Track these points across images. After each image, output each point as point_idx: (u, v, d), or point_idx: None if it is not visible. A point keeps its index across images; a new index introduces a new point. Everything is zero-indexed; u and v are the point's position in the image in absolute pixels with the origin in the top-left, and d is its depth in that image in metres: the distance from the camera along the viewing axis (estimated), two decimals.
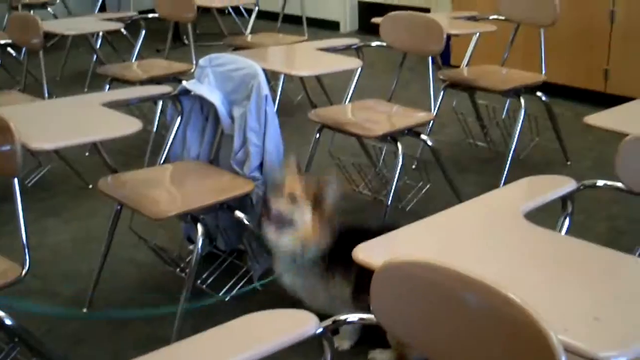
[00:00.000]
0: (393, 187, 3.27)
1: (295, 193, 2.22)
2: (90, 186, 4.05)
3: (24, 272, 2.13)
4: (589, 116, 2.55)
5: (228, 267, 2.90)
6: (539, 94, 4.02)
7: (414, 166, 4.11)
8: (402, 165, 3.24)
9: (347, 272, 2.36)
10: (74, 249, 3.38)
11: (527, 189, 1.93)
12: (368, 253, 1.50)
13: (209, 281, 2.90)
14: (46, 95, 4.26)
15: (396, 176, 3.26)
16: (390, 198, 3.28)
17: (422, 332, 1.31)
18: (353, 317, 1.50)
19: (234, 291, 2.82)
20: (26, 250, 2.17)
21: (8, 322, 2.11)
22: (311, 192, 2.28)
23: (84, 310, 2.85)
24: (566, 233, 1.94)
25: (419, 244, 1.59)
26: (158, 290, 3.00)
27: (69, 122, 2.60)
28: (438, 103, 4.09)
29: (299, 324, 1.35)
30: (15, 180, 2.22)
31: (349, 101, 3.79)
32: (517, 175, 1.97)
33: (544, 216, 1.67)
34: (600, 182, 2.10)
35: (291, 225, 2.24)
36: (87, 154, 4.46)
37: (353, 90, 3.83)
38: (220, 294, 2.85)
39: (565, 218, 2.00)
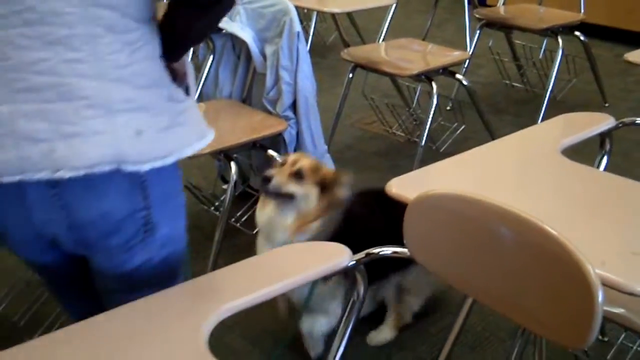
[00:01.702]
0: (427, 128, 3.24)
1: (303, 170, 2.04)
2: None
3: None
4: (629, 53, 2.49)
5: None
6: (577, 33, 3.93)
7: (448, 107, 4.06)
8: (436, 105, 3.20)
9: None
10: None
11: (565, 126, 1.89)
12: (401, 187, 1.48)
13: (242, 219, 2.92)
14: None
15: (430, 117, 3.22)
16: (424, 139, 3.25)
17: (456, 265, 1.30)
18: (386, 249, 1.49)
19: None
20: None
21: None
22: (322, 176, 2.08)
23: None
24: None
25: (454, 178, 1.57)
26: (193, 228, 3.01)
27: None
28: (474, 43, 4.02)
29: (332, 256, 1.35)
30: None
31: (383, 40, 3.74)
32: (553, 117, 1.93)
33: (580, 159, 1.63)
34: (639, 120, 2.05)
35: (291, 201, 2.02)
36: None
37: (387, 30, 3.77)
38: (254, 232, 2.86)
39: (603, 156, 1.96)
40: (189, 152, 1.34)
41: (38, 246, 1.39)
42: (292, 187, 2.01)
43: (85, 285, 1.52)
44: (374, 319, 2.36)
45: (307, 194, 2.03)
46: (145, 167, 1.27)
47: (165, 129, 1.30)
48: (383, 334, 2.34)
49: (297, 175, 2.03)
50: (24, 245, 1.40)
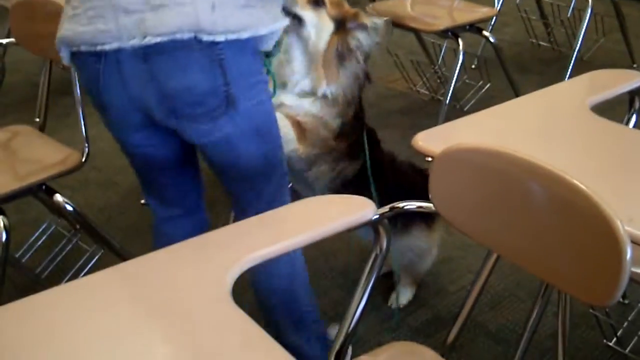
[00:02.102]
0: (452, 86, 3.21)
1: None
2: None
3: (83, 159, 2.15)
4: None
5: None
6: None
7: (473, 65, 4.01)
8: (462, 62, 3.16)
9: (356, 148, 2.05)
10: None
11: (594, 83, 1.86)
12: (428, 140, 1.46)
13: None
14: None
15: (456, 74, 3.19)
16: (449, 97, 3.22)
17: (482, 220, 1.29)
18: (411, 204, 1.48)
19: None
20: (85, 138, 2.19)
21: (69, 208, 2.15)
22: (344, 13, 1.89)
23: (142, 201, 2.89)
24: None
25: (480, 133, 1.55)
26: (216, 184, 3.02)
27: None
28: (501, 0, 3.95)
29: (357, 209, 1.34)
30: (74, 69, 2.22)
31: None
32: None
33: (606, 118, 1.60)
34: None
35: (300, 29, 1.85)
36: None
37: None
38: None
39: (632, 114, 1.92)
40: (264, 31, 1.51)
41: (133, 121, 1.59)
42: (304, 11, 1.85)
43: (173, 174, 1.77)
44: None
45: (319, 25, 1.88)
46: (220, 38, 1.45)
47: (242, 7, 1.47)
48: (403, 295, 2.33)
49: (316, 1, 1.88)
50: (122, 119, 1.59)
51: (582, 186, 1.09)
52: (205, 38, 1.44)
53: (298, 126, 1.94)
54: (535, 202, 1.17)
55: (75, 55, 1.54)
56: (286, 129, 1.90)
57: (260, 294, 1.89)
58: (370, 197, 1.68)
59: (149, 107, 1.54)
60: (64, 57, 1.57)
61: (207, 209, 1.94)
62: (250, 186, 1.71)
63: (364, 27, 1.93)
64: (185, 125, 1.56)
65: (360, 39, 1.93)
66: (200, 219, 1.91)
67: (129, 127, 1.62)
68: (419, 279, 2.36)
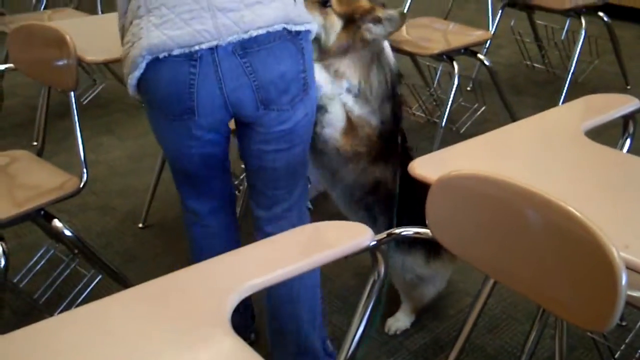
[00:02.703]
0: (447, 109, 3.23)
1: None
2: (144, 105, 4.07)
3: (82, 184, 2.16)
4: None
5: None
6: (600, 14, 3.88)
7: (469, 87, 4.04)
8: (457, 85, 3.18)
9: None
10: (128, 166, 3.43)
11: (588, 107, 1.88)
12: (424, 167, 1.48)
13: None
14: (100, 12, 4.27)
15: (451, 97, 3.21)
16: (445, 120, 3.24)
17: (479, 246, 1.30)
18: (409, 230, 1.49)
19: None
20: (83, 162, 2.20)
21: (68, 233, 2.16)
22: (353, 9, 1.96)
23: (139, 225, 2.90)
24: None
25: (476, 159, 1.56)
26: None
27: None
28: (495, 23, 3.98)
29: (353, 236, 1.35)
30: (72, 94, 2.23)
31: None
32: (574, 99, 1.91)
33: (600, 142, 1.62)
34: None
35: None
36: None
37: (408, 8, 3.74)
38: None
39: (626, 138, 1.94)
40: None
41: (215, 120, 1.73)
42: (311, 12, 1.86)
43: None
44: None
45: (327, 24, 1.95)
46: (302, 28, 1.70)
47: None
48: (402, 322, 2.32)
49: (323, 3, 1.95)
50: (207, 120, 1.72)
51: (578, 213, 1.10)
52: (293, 28, 1.67)
53: (349, 121, 2.02)
54: (531, 229, 1.18)
55: (158, 64, 1.64)
56: (341, 120, 2.01)
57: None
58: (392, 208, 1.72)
59: (240, 102, 1.70)
60: (134, 78, 1.68)
61: None
62: (286, 182, 1.89)
63: (377, 19, 1.99)
64: (270, 115, 1.74)
65: (374, 31, 2.00)
66: (233, 208, 2.08)
67: (209, 127, 1.75)
68: (419, 306, 2.33)
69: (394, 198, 2.11)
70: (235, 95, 1.69)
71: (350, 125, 2.01)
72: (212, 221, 2.02)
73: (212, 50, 1.63)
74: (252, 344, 2.21)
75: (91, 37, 2.64)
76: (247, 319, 2.22)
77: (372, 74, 2.03)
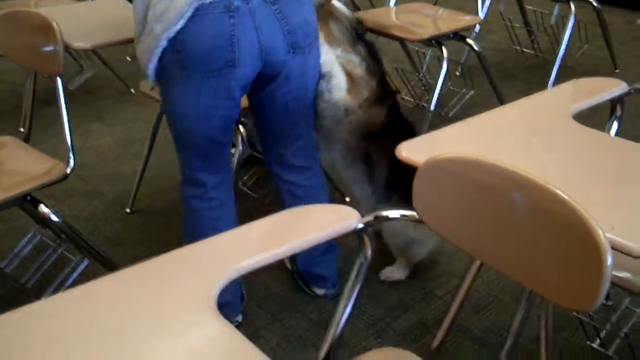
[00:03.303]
0: (436, 93, 3.22)
1: None
2: (132, 90, 4.06)
3: (68, 170, 2.15)
4: None
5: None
6: None
7: (457, 72, 4.03)
8: (446, 70, 3.18)
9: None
10: (117, 152, 3.41)
11: (576, 91, 1.88)
12: (411, 150, 1.47)
13: (249, 183, 2.92)
14: None
15: (440, 82, 3.20)
16: (433, 104, 3.23)
17: (465, 229, 1.30)
18: (395, 213, 1.49)
19: (273, 193, 2.84)
20: (70, 148, 2.19)
21: (55, 218, 2.15)
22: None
23: (127, 210, 2.89)
24: None
25: (464, 142, 1.56)
26: None
27: (110, 22, 2.58)
28: (485, 8, 3.98)
29: (340, 218, 1.35)
30: (59, 79, 2.22)
31: (393, 4, 3.70)
32: (563, 83, 1.92)
33: (589, 125, 1.62)
34: None
35: None
36: (128, 58, 4.46)
37: None
38: (261, 195, 2.87)
39: (614, 121, 1.95)
40: None
41: (251, 73, 1.88)
42: None
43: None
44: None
45: None
46: None
47: None
48: (396, 274, 2.44)
49: None
50: (245, 70, 1.86)
51: (564, 195, 1.11)
52: None
53: (350, 78, 2.22)
54: (517, 211, 1.18)
55: (198, 19, 1.75)
56: (341, 79, 2.20)
57: None
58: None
59: (273, 48, 1.86)
60: (172, 32, 1.77)
61: None
62: (306, 118, 2.12)
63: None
64: (297, 58, 1.93)
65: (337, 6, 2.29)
66: (232, 181, 2.22)
67: (243, 81, 1.89)
68: (413, 262, 2.44)
69: (390, 140, 2.17)
70: (270, 41, 1.86)
71: (351, 80, 2.22)
72: (216, 194, 2.10)
73: (247, 1, 1.79)
74: (239, 325, 2.21)
75: (78, 23, 2.62)
76: (236, 299, 2.22)
77: (333, 29, 2.25)
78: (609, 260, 1.06)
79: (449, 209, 1.31)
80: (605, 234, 1.07)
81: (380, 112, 2.27)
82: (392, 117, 2.31)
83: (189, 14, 1.75)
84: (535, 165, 1.44)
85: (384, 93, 2.30)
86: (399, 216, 1.49)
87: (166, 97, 1.96)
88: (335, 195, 2.83)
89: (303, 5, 1.92)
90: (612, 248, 1.09)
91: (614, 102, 1.92)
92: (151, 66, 1.87)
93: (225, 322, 1.08)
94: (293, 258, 2.39)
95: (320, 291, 2.35)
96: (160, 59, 1.86)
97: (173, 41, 1.80)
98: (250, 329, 2.22)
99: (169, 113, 2.00)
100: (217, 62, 1.82)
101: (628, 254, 1.16)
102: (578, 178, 1.40)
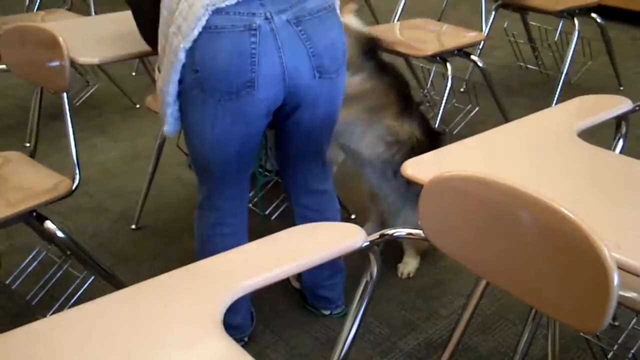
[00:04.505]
0: (441, 110, 3.23)
1: None
2: (138, 106, 4.07)
3: (74, 186, 2.15)
4: None
5: (274, 186, 2.91)
6: (593, 15, 3.89)
7: (462, 89, 4.04)
8: (450, 87, 3.19)
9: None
10: (122, 167, 3.42)
11: (581, 108, 1.88)
12: (417, 168, 1.47)
13: (254, 200, 2.92)
14: (93, 13, 4.26)
15: (444, 98, 3.20)
16: (438, 121, 3.24)
17: (471, 247, 1.30)
18: (401, 231, 1.49)
19: (280, 210, 2.84)
20: (76, 164, 2.19)
21: (60, 234, 2.15)
22: None
23: (132, 226, 2.89)
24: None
25: (469, 160, 1.56)
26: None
27: (116, 37, 2.59)
28: (489, 24, 3.99)
29: (346, 237, 1.35)
30: (65, 95, 2.23)
31: (397, 21, 3.71)
32: (568, 100, 1.92)
33: (594, 143, 1.62)
34: None
35: None
36: (134, 73, 4.48)
37: (401, 10, 3.75)
38: (267, 212, 2.87)
39: (619, 139, 1.95)
40: None
41: (272, 96, 1.82)
42: None
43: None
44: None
45: None
46: (337, 4, 1.90)
47: None
48: (411, 265, 2.56)
49: None
50: (266, 93, 1.79)
51: (570, 214, 1.10)
52: (333, 4, 1.87)
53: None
54: (523, 230, 1.18)
55: (217, 35, 1.71)
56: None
57: None
58: None
59: (297, 71, 1.80)
60: (189, 42, 1.73)
61: None
62: (328, 141, 2.10)
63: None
64: (325, 84, 1.88)
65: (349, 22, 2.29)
66: (247, 208, 2.15)
67: (264, 106, 1.83)
68: (422, 249, 2.54)
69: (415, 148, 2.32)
70: (294, 64, 1.79)
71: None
72: (231, 221, 2.07)
73: (269, 20, 1.74)
74: (245, 345, 2.21)
75: (84, 38, 2.63)
76: (246, 321, 2.21)
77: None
78: (616, 280, 1.06)
79: (455, 228, 1.31)
80: (612, 253, 1.07)
81: (400, 122, 2.33)
82: (422, 130, 2.37)
83: (205, 17, 1.70)
84: (541, 184, 1.44)
85: (406, 105, 2.35)
86: (405, 234, 1.49)
87: (184, 120, 1.91)
88: (342, 214, 2.82)
89: (330, 28, 1.86)
90: (619, 267, 1.09)
91: (618, 120, 1.92)
92: (171, 88, 1.81)
93: (231, 340, 1.08)
94: (299, 278, 2.39)
95: (326, 311, 2.34)
96: (180, 81, 1.81)
97: (191, 57, 1.75)
98: (255, 348, 2.21)
99: (186, 136, 1.96)
100: (235, 82, 1.76)
101: (634, 274, 1.16)
102: (584, 196, 1.40)
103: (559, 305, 1.17)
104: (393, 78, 2.36)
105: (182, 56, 1.75)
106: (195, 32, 1.71)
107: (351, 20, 2.32)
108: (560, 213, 1.11)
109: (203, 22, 1.70)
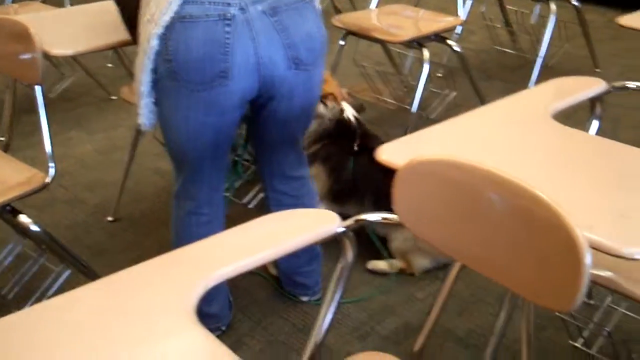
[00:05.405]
0: (418, 95, 3.22)
1: None
2: (114, 97, 4.04)
3: (49, 179, 2.13)
4: (622, 17, 2.47)
5: (251, 175, 2.90)
6: None
7: (439, 74, 4.04)
8: (427, 72, 3.18)
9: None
10: (98, 159, 3.39)
11: (556, 90, 1.88)
12: (391, 153, 1.47)
13: (233, 189, 2.91)
14: (67, 5, 4.22)
15: (421, 83, 3.20)
16: (415, 106, 3.23)
17: (445, 230, 1.30)
18: (376, 216, 1.48)
19: (258, 198, 2.83)
20: (51, 157, 2.17)
21: (35, 228, 2.13)
22: None
23: (109, 218, 2.87)
24: None
25: (444, 144, 1.55)
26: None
27: (90, 28, 2.56)
28: (466, 9, 3.99)
29: (321, 223, 1.34)
30: (38, 88, 2.20)
31: (375, 7, 3.70)
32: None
33: (570, 124, 1.62)
34: (630, 84, 2.04)
35: None
36: (109, 65, 4.44)
37: None
38: (244, 201, 2.86)
39: (593, 120, 1.95)
40: None
41: (248, 86, 1.80)
42: None
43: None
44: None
45: None
46: None
47: None
48: (382, 265, 2.50)
49: None
50: (240, 83, 1.78)
51: (542, 195, 1.10)
52: None
53: None
54: (497, 212, 1.18)
55: (191, 25, 1.70)
56: None
57: None
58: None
59: (272, 62, 1.79)
60: (161, 27, 1.71)
61: None
62: (305, 129, 2.10)
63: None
64: (301, 75, 1.86)
65: None
66: (223, 196, 2.12)
67: (238, 97, 1.81)
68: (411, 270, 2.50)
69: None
70: (268, 55, 1.78)
71: None
72: (207, 210, 2.06)
73: (244, 10, 1.73)
74: (222, 333, 2.20)
75: (58, 30, 2.60)
76: (224, 310, 2.21)
77: None
78: (588, 260, 1.06)
79: (429, 211, 1.30)
80: (584, 233, 1.07)
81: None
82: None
83: (177, 2, 1.68)
84: (515, 166, 1.44)
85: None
86: (380, 219, 1.49)
87: (160, 110, 1.89)
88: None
89: (307, 19, 1.84)
90: (591, 247, 1.09)
91: (593, 101, 1.92)
92: (144, 77, 1.80)
93: (204, 329, 1.07)
94: (276, 265, 2.38)
95: (304, 298, 2.34)
96: (155, 71, 1.79)
97: (164, 45, 1.73)
98: (233, 336, 2.21)
99: (161, 126, 1.94)
100: (209, 72, 1.74)
101: (607, 253, 1.16)
102: (557, 177, 1.40)
103: (532, 286, 1.17)
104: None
105: (154, 43, 1.73)
106: (167, 18, 1.69)
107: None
108: (532, 194, 1.11)
109: (174, 7, 1.69)
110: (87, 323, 1.10)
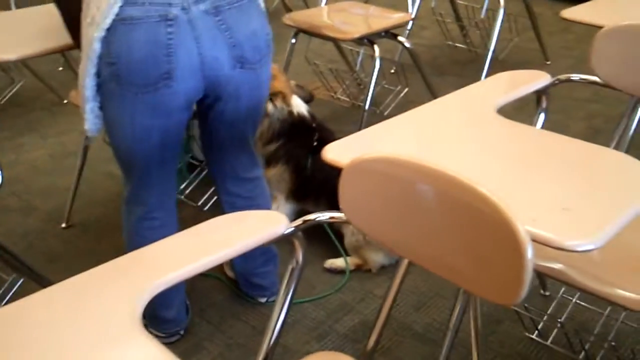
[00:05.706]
0: (370, 92, 3.24)
1: None
2: (65, 101, 3.99)
3: None
4: (565, 10, 2.50)
5: (206, 177, 2.89)
6: None
7: (392, 70, 4.06)
8: (379, 68, 3.19)
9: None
10: (51, 165, 3.35)
11: (502, 84, 1.90)
12: (337, 152, 1.47)
13: (187, 192, 2.90)
14: (13, 8, 4.15)
15: (373, 80, 3.21)
16: (368, 103, 3.24)
17: (390, 228, 1.31)
18: (324, 215, 1.49)
19: (212, 200, 2.82)
20: None
21: None
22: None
23: (63, 225, 2.84)
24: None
25: (391, 140, 1.56)
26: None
27: (36, 32, 2.52)
28: (416, 4, 4.02)
29: (269, 224, 1.34)
30: None
31: (325, 4, 3.71)
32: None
33: (522, 117, 1.64)
34: (575, 76, 2.07)
35: None
36: (60, 68, 4.38)
37: None
38: (199, 203, 2.85)
39: (539, 113, 1.98)
40: None
41: (191, 88, 1.78)
42: None
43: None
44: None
45: None
46: None
47: None
48: (338, 263, 2.52)
49: None
50: (184, 85, 1.76)
51: (482, 190, 1.11)
52: None
53: None
54: (437, 207, 1.19)
55: (132, 26, 1.68)
56: None
57: None
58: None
59: (216, 61, 1.78)
60: (101, 30, 1.69)
61: None
62: (254, 130, 2.08)
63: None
64: (247, 74, 1.86)
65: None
66: (175, 200, 2.11)
67: (183, 98, 1.79)
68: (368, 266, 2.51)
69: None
70: (212, 55, 1.77)
71: None
72: (158, 214, 2.04)
73: (186, 10, 1.71)
74: (180, 338, 2.19)
75: (5, 34, 2.55)
76: (181, 314, 2.19)
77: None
78: (530, 253, 1.08)
79: (374, 209, 1.31)
80: (526, 227, 1.09)
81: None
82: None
83: (118, 4, 1.66)
84: (460, 160, 1.45)
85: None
86: (328, 219, 1.49)
87: (105, 114, 1.87)
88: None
89: (251, 18, 1.83)
90: (534, 241, 1.11)
91: (539, 94, 1.95)
92: (88, 81, 1.77)
93: (150, 337, 1.06)
94: (232, 267, 2.38)
95: (262, 299, 2.34)
96: (99, 74, 1.77)
97: (106, 48, 1.71)
98: (192, 340, 2.20)
99: (107, 131, 1.92)
100: (152, 73, 1.72)
101: (550, 246, 1.18)
102: (501, 171, 1.42)
103: (477, 280, 1.18)
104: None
105: (96, 46, 1.71)
106: (108, 21, 1.67)
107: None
108: (472, 189, 1.12)
109: (115, 9, 1.67)
110: (31, 333, 1.09)
